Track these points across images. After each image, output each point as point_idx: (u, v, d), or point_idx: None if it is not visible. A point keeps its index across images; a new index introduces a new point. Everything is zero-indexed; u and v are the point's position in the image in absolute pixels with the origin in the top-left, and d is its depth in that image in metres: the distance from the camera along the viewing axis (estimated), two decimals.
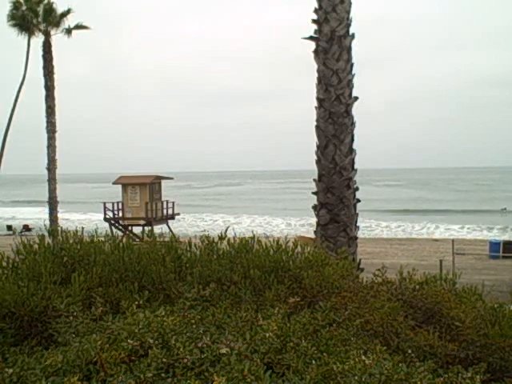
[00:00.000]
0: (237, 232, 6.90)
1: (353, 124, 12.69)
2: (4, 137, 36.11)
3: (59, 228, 5.84)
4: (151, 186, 36.96)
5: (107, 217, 36.63)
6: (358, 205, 12.87)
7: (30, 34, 35.10)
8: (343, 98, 12.38)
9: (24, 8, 34.84)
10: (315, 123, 12.70)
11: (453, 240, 27.01)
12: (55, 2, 35.34)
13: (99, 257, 5.23)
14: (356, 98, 12.67)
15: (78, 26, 35.91)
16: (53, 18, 34.85)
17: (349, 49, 12.55)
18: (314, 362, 3.35)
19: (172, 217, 38.67)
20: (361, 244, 15.06)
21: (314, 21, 12.59)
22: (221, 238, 5.90)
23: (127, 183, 37.01)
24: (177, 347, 3.27)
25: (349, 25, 12.52)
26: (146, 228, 32.98)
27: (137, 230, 36.02)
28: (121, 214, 36.82)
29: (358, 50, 13.19)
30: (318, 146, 12.65)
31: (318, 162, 12.62)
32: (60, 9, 35.48)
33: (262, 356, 3.35)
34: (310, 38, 12.64)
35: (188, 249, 5.75)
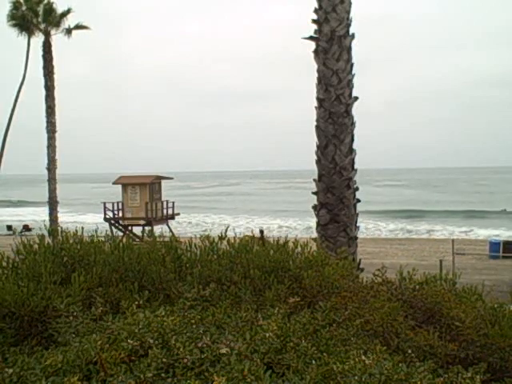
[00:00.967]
0: (237, 232, 6.90)
1: (353, 124, 12.68)
2: (4, 137, 36.15)
3: (59, 228, 5.84)
4: (151, 186, 36.96)
5: (107, 217, 36.64)
6: (358, 205, 12.87)
7: (30, 34, 35.12)
8: (343, 97, 12.38)
9: (24, 8, 34.86)
10: (315, 123, 12.69)
11: (453, 240, 27.02)
12: (55, 2, 35.42)
13: (99, 257, 5.23)
14: (356, 98, 12.66)
15: (78, 26, 35.93)
16: (53, 18, 34.87)
17: (349, 49, 12.54)
18: (314, 361, 3.34)
19: (172, 217, 38.68)
20: (361, 244, 15.06)
21: (314, 21, 12.58)
22: (221, 238, 5.90)
23: (127, 183, 37.01)
24: (177, 347, 3.27)
25: (349, 25, 12.51)
26: (146, 228, 33.02)
27: (137, 230, 36.05)
28: (121, 214, 36.83)
29: (358, 50, 13.20)
30: (317, 146, 12.64)
31: (318, 162, 12.62)
32: (60, 9, 35.59)
33: (262, 356, 3.34)
34: (310, 38, 12.63)
35: (188, 249, 5.75)
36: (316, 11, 12.54)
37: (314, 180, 12.81)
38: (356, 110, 12.76)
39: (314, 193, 12.75)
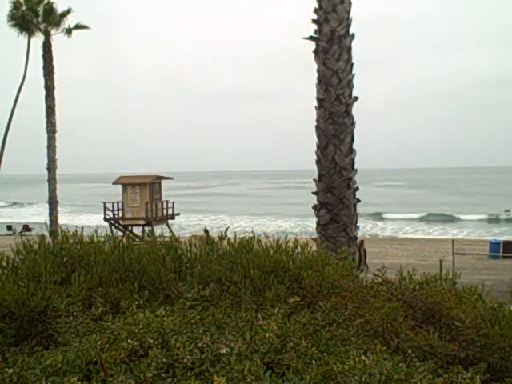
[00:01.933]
0: (236, 232, 6.90)
1: (353, 124, 12.69)
2: (4, 137, 36.14)
3: (59, 228, 5.84)
4: (151, 186, 36.95)
5: (107, 217, 36.63)
6: (358, 205, 12.87)
7: (30, 34, 35.12)
8: (343, 97, 12.38)
9: (24, 8, 34.85)
10: (315, 123, 12.70)
11: (453, 240, 27.01)
12: (55, 2, 35.42)
13: (99, 257, 5.23)
14: (356, 98, 12.66)
15: (78, 26, 35.93)
16: (53, 18, 34.87)
17: (349, 49, 12.55)
18: (314, 361, 3.34)
19: (172, 217, 38.67)
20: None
21: (314, 21, 12.59)
22: (221, 237, 5.90)
23: (127, 183, 37.00)
24: (177, 347, 3.27)
25: (349, 25, 12.52)
26: (146, 228, 33.05)
27: (137, 230, 36.06)
28: (121, 214, 36.82)
29: (358, 49, 13.21)
30: (318, 146, 12.65)
31: (318, 162, 12.62)
32: (60, 9, 35.59)
33: (262, 356, 3.34)
34: (310, 37, 12.64)
35: (188, 249, 5.75)
36: (316, 11, 12.54)
37: (314, 180, 12.81)
38: (356, 109, 12.78)
39: (314, 193, 12.76)
